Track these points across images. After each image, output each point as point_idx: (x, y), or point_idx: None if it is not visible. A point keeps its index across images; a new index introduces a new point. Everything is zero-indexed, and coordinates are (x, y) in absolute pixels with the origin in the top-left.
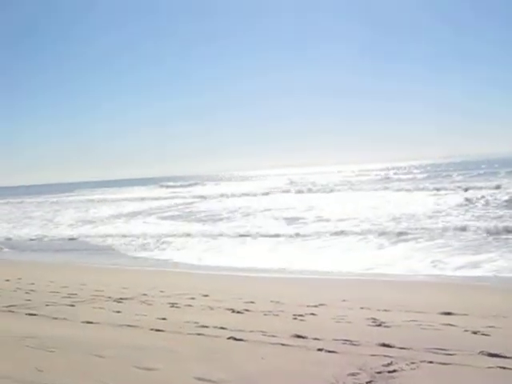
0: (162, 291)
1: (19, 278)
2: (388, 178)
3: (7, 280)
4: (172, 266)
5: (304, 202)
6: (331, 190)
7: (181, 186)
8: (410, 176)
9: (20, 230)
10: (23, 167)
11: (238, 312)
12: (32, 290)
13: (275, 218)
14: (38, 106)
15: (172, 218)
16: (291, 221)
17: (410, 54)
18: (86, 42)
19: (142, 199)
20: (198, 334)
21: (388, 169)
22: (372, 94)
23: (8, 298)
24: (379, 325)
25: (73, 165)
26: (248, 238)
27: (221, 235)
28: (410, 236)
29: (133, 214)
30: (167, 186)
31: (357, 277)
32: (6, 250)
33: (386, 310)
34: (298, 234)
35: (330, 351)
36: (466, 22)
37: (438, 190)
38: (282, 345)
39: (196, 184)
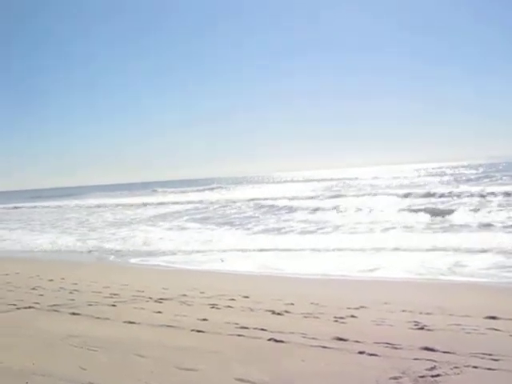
0: (202, 292)
1: (62, 278)
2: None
3: (51, 280)
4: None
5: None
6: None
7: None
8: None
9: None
10: (43, 171)
11: (278, 314)
12: (75, 290)
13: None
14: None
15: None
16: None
17: (457, 57)
18: (115, 43)
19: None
20: (239, 335)
21: (452, 167)
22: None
23: (52, 298)
24: (421, 328)
25: (98, 168)
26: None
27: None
28: None
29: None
30: (213, 189)
31: (398, 278)
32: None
33: (428, 314)
34: None
35: (371, 354)
36: None
37: None
38: (323, 347)
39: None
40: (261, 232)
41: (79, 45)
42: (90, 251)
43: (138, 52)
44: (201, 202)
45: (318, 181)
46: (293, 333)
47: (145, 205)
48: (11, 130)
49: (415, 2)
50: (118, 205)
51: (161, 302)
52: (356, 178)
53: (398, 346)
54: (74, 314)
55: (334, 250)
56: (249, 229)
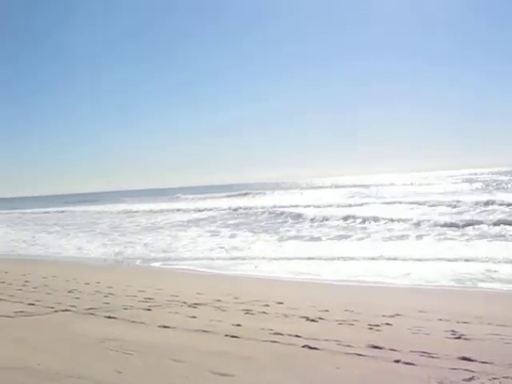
0: (236, 298)
1: (98, 282)
2: None
3: (87, 283)
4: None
5: None
6: None
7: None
8: None
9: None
10: (72, 177)
11: (313, 320)
12: (110, 294)
13: None
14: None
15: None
16: None
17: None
18: (148, 56)
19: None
20: (273, 342)
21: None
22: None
23: (88, 301)
24: (459, 337)
25: (134, 173)
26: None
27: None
28: None
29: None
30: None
31: (434, 286)
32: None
33: (465, 322)
34: None
35: (407, 363)
36: None
37: None
38: (358, 355)
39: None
40: (294, 238)
41: (115, 57)
42: (123, 256)
43: (167, 64)
44: (232, 208)
45: (350, 187)
46: (327, 340)
47: (177, 210)
48: (46, 138)
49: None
50: (150, 210)
51: (195, 307)
52: (391, 184)
53: (435, 355)
54: (109, 317)
55: (367, 257)
56: (282, 235)
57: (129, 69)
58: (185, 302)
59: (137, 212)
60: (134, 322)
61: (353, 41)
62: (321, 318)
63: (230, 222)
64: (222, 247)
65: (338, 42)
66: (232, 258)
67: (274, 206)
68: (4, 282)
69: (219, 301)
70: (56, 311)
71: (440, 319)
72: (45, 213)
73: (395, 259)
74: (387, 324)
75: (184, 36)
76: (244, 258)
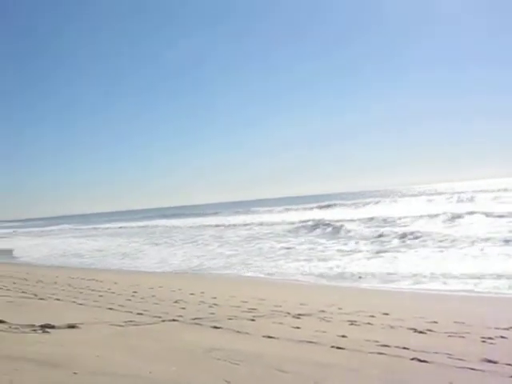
0: (340, 308)
1: (202, 292)
2: None
3: (192, 294)
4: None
5: None
6: None
7: None
8: None
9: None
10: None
11: (421, 332)
12: (215, 304)
13: None
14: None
15: None
16: None
17: None
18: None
19: None
20: (380, 354)
21: None
22: None
23: (194, 311)
24: None
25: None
26: None
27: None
28: None
29: None
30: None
31: None
32: None
33: None
34: None
35: None
36: None
37: None
38: (471, 369)
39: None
40: (395, 248)
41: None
42: (226, 265)
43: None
44: (326, 220)
45: (448, 194)
46: (437, 352)
47: (270, 224)
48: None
49: None
50: (244, 224)
51: (299, 318)
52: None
53: None
54: (215, 327)
55: (475, 266)
56: (382, 244)
57: (221, 78)
58: (288, 313)
59: (234, 225)
60: (239, 332)
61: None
62: (429, 330)
63: (328, 230)
64: (324, 257)
65: None
66: (333, 267)
67: (371, 217)
68: (114, 293)
69: (323, 311)
70: (163, 321)
71: None
72: (150, 227)
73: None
74: (502, 337)
75: (278, 44)
76: (347, 268)
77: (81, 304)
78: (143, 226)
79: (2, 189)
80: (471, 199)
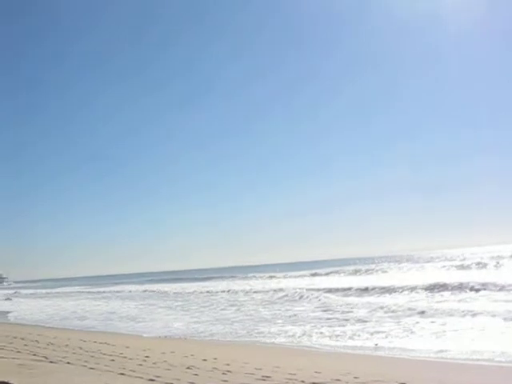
0: (356, 377)
1: (215, 358)
2: None
3: (204, 359)
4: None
5: None
6: None
7: None
8: None
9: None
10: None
11: None
12: (228, 371)
13: None
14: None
15: None
16: None
17: None
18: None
19: None
20: None
21: None
22: None
23: (206, 378)
24: None
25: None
26: None
27: None
28: None
29: None
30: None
31: None
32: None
33: None
34: None
35: None
36: None
37: None
38: None
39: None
40: (417, 315)
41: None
42: (241, 333)
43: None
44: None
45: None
46: None
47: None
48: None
49: None
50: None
51: None
52: None
53: None
54: None
55: None
56: (402, 310)
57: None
58: (303, 382)
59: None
60: None
61: None
62: None
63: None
64: (340, 323)
65: None
66: (349, 335)
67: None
68: (125, 357)
69: (338, 380)
70: None
71: None
72: (159, 292)
73: None
74: None
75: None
76: (363, 335)
77: (92, 368)
78: (154, 291)
79: (11, 249)
80: None
